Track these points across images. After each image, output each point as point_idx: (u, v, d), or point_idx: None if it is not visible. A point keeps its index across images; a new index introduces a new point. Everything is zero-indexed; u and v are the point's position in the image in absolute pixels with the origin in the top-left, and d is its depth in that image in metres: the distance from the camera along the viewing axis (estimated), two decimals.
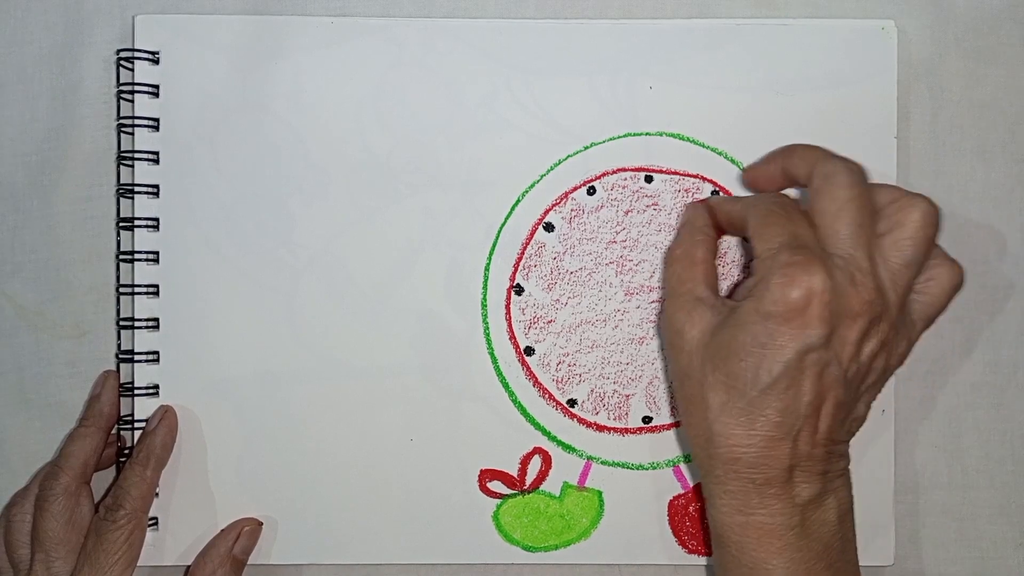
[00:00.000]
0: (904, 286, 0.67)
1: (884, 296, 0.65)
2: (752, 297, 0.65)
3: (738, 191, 0.80)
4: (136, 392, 0.80)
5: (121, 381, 0.81)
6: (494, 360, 0.81)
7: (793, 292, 0.62)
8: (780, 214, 0.67)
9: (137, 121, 0.80)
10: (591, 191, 0.80)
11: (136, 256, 0.80)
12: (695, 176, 0.80)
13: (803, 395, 0.64)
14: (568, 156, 0.80)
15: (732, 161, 0.80)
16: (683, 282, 0.71)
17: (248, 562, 0.80)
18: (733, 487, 0.66)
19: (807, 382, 0.64)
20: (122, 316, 0.81)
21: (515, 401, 0.80)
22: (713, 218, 0.76)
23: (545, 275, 0.80)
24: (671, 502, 0.81)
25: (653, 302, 0.80)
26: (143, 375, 0.80)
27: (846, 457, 0.70)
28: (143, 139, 0.80)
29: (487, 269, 0.80)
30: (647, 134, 0.80)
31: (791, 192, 0.76)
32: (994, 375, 0.83)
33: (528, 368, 0.81)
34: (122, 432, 0.81)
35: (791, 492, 0.66)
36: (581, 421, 0.81)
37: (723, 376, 0.66)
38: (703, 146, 0.80)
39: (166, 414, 0.79)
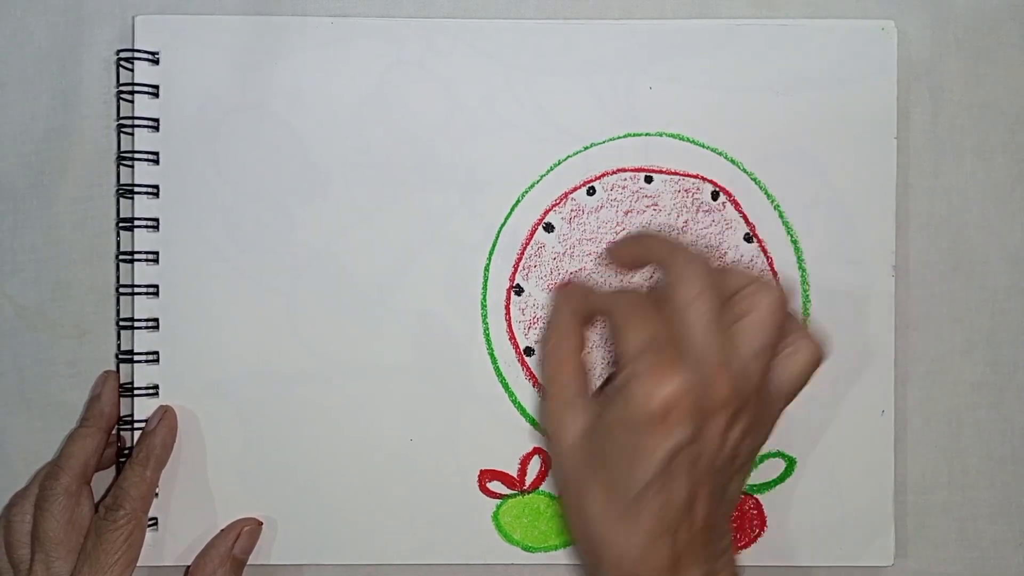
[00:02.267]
0: (758, 372, 0.68)
1: (741, 386, 0.66)
2: (616, 404, 0.66)
3: (737, 190, 0.81)
4: (136, 392, 0.80)
5: (121, 381, 0.81)
6: (494, 360, 0.81)
7: (654, 400, 0.64)
8: (638, 315, 0.68)
9: (137, 121, 0.80)
10: (591, 191, 0.80)
11: (136, 256, 0.80)
12: (695, 176, 0.80)
13: (677, 492, 0.65)
14: (568, 156, 0.80)
15: (732, 161, 0.80)
16: (552, 382, 0.72)
17: (248, 562, 0.80)
18: None
19: (679, 480, 0.65)
20: (122, 316, 0.81)
21: (515, 401, 0.80)
22: (581, 306, 0.75)
23: (545, 275, 0.80)
24: None
25: None
26: (143, 375, 0.80)
27: (728, 533, 0.70)
28: (143, 139, 0.80)
29: (487, 269, 0.81)
30: (647, 134, 0.80)
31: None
32: (994, 375, 0.83)
33: (528, 368, 0.81)
34: (122, 432, 0.81)
35: None
36: None
37: (599, 483, 0.67)
38: (703, 146, 0.80)
39: (165, 414, 0.79)
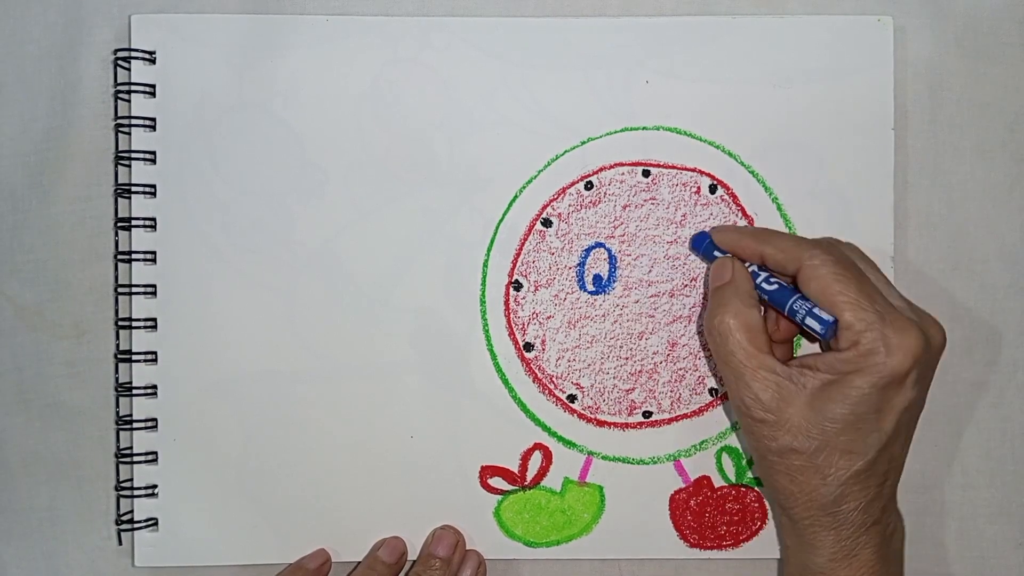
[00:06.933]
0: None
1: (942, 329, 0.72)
2: (862, 372, 0.67)
3: (735, 183, 0.81)
4: (135, 392, 0.80)
5: (120, 381, 0.81)
6: (493, 356, 0.81)
7: (904, 363, 0.67)
8: (847, 279, 0.69)
9: (134, 121, 0.80)
10: (588, 186, 0.81)
11: (134, 256, 0.80)
12: (692, 170, 0.81)
13: (902, 441, 0.71)
14: (565, 151, 0.81)
15: (730, 155, 0.80)
16: (752, 356, 0.71)
17: (248, 562, 0.81)
18: (847, 532, 0.70)
19: (905, 431, 0.71)
20: (120, 316, 0.81)
21: (515, 397, 0.81)
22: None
23: (543, 271, 0.80)
24: (672, 496, 0.81)
25: (652, 296, 0.80)
26: (141, 375, 0.80)
27: None
28: (140, 139, 0.80)
29: (485, 265, 0.81)
30: (644, 128, 0.81)
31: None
32: (994, 375, 0.83)
33: (527, 364, 0.81)
34: (121, 432, 0.81)
35: (883, 524, 0.71)
36: (581, 416, 0.81)
37: (841, 445, 0.69)
38: (700, 140, 0.80)
39: None
